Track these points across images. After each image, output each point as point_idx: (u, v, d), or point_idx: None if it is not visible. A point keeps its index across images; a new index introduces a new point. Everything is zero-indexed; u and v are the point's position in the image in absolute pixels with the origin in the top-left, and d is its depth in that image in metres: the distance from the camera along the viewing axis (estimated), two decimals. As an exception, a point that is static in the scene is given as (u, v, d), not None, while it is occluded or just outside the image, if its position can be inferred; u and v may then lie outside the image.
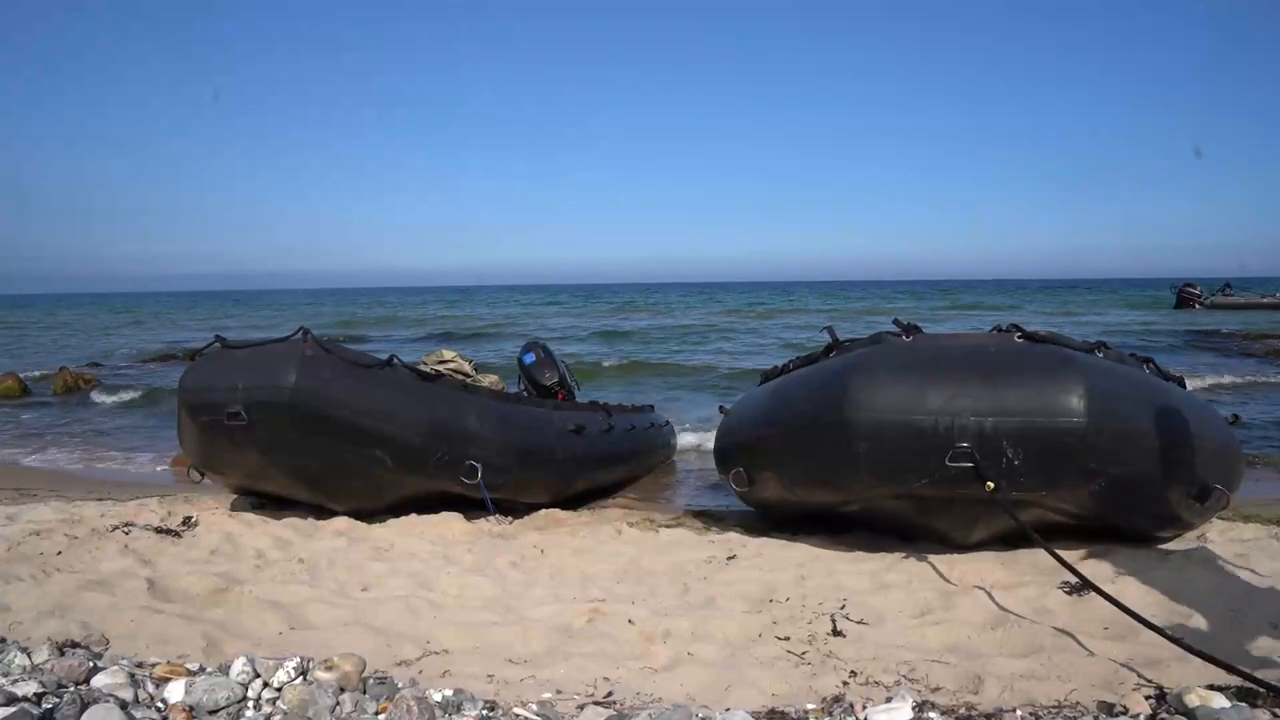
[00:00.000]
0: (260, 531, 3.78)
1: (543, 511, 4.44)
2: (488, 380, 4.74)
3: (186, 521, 3.92)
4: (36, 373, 12.88)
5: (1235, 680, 2.12)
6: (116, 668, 1.93)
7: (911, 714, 1.91)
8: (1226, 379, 10.64)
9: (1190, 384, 4.11)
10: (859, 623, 2.67)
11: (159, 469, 6.81)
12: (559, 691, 2.17)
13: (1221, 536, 3.57)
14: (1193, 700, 1.96)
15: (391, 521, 4.03)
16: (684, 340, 19.87)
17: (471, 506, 4.17)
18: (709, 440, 6.16)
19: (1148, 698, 2.06)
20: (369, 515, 4.07)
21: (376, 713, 1.84)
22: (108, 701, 1.75)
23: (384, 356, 4.10)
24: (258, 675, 1.92)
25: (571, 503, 4.74)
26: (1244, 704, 1.96)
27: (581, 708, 2.01)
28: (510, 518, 4.24)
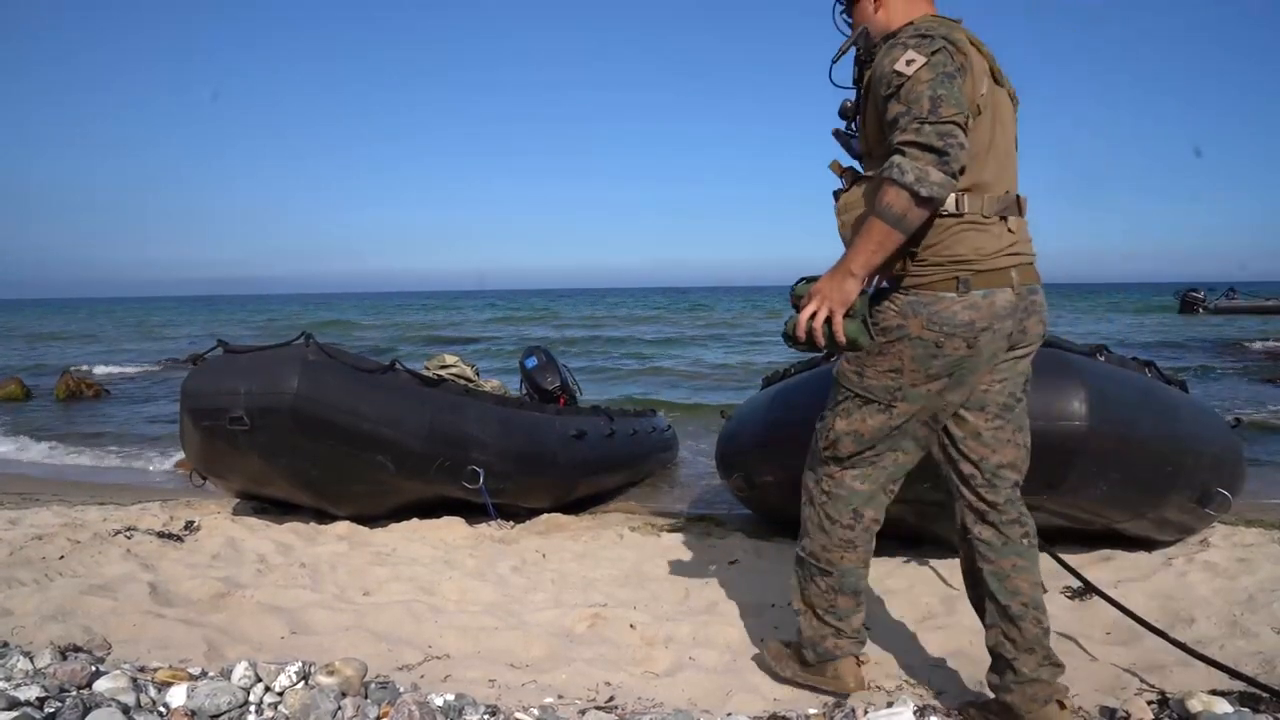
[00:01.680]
0: (262, 536, 3.78)
1: (544, 516, 4.44)
2: (490, 385, 4.76)
3: (188, 526, 3.93)
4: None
5: (1238, 685, 2.13)
6: (119, 672, 1.93)
7: (913, 719, 1.91)
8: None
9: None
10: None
11: (161, 473, 6.83)
12: (560, 696, 2.17)
13: (1224, 541, 3.56)
14: (1195, 705, 1.96)
15: (393, 526, 4.04)
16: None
17: (473, 511, 4.18)
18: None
19: (1150, 703, 2.06)
20: (371, 520, 4.08)
21: (378, 717, 1.84)
22: (110, 706, 1.75)
23: (387, 361, 4.11)
24: (259, 680, 1.92)
25: (573, 507, 4.74)
26: (1246, 709, 1.96)
27: (583, 713, 2.01)
28: (512, 522, 4.24)
